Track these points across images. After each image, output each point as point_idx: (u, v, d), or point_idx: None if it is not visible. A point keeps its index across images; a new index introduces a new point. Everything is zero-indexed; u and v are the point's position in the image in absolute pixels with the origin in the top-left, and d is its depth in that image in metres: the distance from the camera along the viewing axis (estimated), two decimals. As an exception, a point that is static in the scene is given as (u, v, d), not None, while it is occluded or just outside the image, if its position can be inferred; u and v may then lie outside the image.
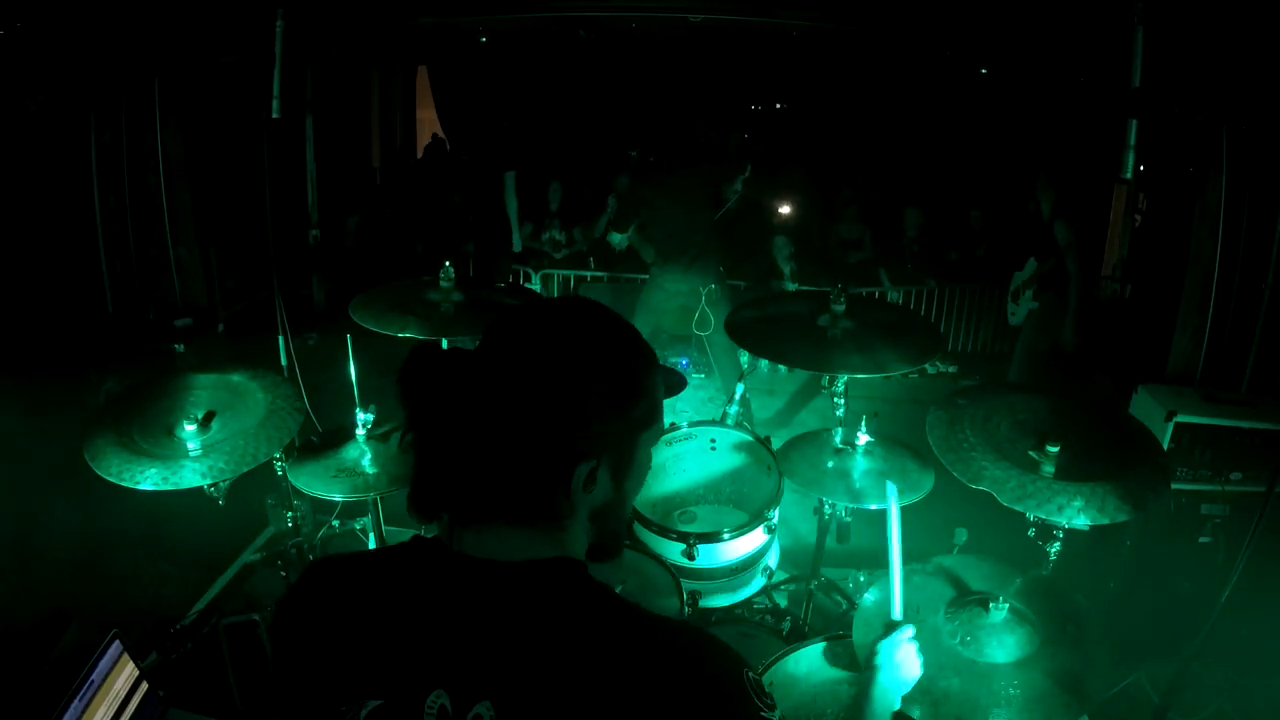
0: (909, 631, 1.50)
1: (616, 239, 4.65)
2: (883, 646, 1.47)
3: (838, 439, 2.54)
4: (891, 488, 1.66)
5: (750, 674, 0.85)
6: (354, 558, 0.97)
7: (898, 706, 1.42)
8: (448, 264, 2.78)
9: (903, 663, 1.45)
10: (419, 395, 0.88)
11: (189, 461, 2.25)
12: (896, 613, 1.59)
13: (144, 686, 2.18)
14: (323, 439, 2.61)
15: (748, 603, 2.65)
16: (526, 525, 0.88)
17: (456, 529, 0.89)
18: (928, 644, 1.73)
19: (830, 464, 2.49)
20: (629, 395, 0.90)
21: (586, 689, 0.80)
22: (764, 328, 2.63)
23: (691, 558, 2.36)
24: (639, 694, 0.80)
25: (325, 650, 0.87)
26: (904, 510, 2.35)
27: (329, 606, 0.90)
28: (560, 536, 0.90)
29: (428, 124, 9.01)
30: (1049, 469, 2.01)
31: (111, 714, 2.04)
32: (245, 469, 2.28)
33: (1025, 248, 4.80)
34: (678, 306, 4.37)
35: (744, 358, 4.38)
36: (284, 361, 3.97)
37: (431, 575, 0.88)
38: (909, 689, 1.46)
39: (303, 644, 0.90)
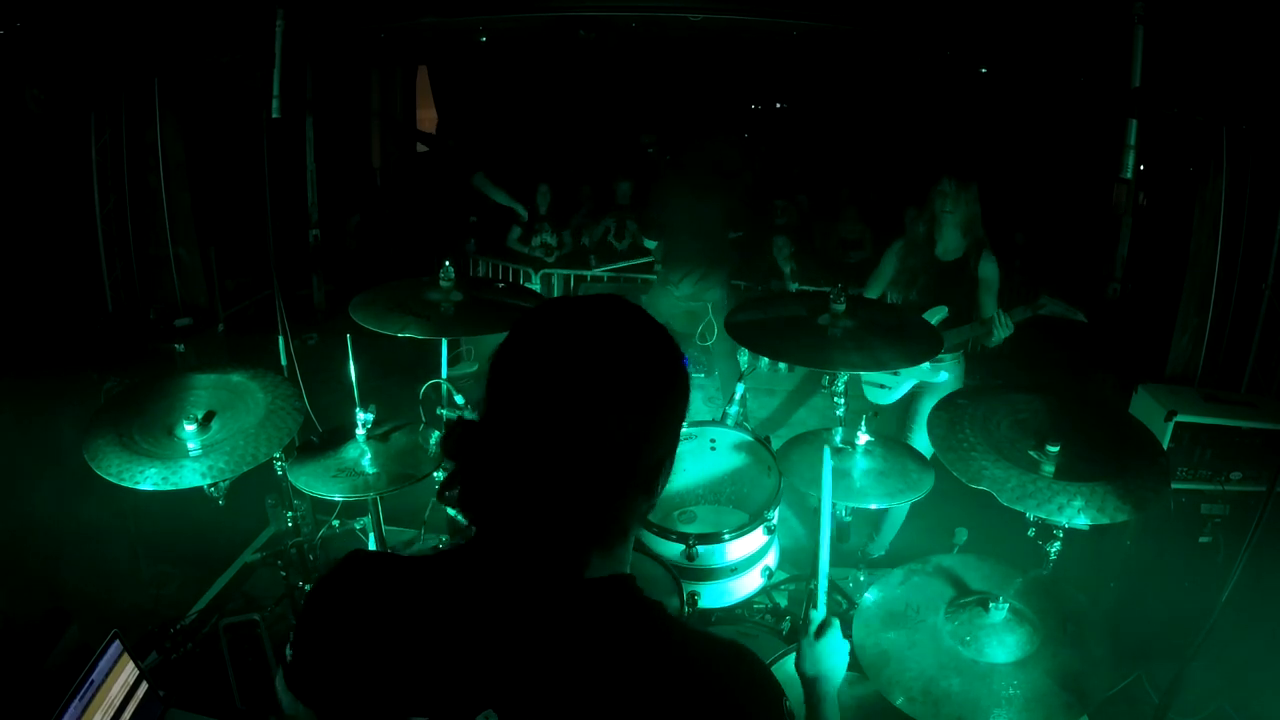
0: (834, 625, 1.39)
1: (650, 244, 4.67)
2: (822, 654, 1.35)
3: (838, 439, 2.54)
4: (826, 454, 1.54)
5: (787, 704, 0.85)
6: (396, 560, 0.92)
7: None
8: (448, 264, 2.78)
9: (837, 658, 1.36)
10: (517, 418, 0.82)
11: (189, 461, 2.25)
12: (821, 608, 1.45)
13: (144, 686, 2.18)
14: (323, 439, 2.61)
15: (748, 603, 2.65)
16: (601, 547, 0.86)
17: (509, 544, 0.84)
18: (927, 644, 1.74)
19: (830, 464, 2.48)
20: (685, 398, 0.91)
21: (638, 716, 0.78)
22: (764, 327, 2.63)
23: (691, 558, 2.36)
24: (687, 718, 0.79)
25: (363, 653, 0.84)
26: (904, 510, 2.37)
27: (370, 606, 0.87)
28: (620, 551, 0.89)
29: (428, 124, 8.99)
30: (1049, 469, 2.01)
31: (111, 714, 2.04)
32: (245, 469, 2.28)
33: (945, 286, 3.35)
34: (684, 312, 4.41)
35: (744, 357, 4.39)
36: (284, 361, 3.97)
37: (482, 591, 0.84)
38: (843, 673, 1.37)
39: (339, 640, 0.86)
